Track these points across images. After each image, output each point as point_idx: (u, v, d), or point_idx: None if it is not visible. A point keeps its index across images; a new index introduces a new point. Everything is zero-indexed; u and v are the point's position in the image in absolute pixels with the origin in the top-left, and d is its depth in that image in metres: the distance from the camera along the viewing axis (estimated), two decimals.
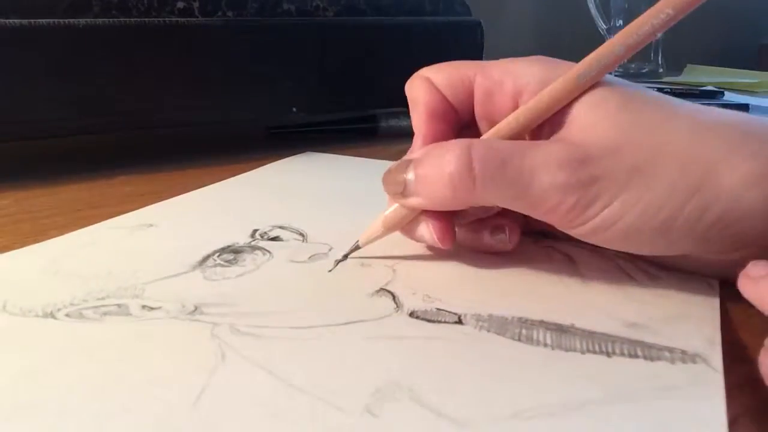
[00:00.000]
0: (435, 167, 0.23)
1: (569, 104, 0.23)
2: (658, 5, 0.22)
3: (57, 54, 0.39)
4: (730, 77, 0.84)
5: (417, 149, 0.25)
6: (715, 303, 0.22)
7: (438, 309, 0.22)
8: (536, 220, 0.23)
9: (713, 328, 0.21)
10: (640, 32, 0.23)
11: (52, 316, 0.21)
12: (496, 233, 0.25)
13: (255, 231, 0.29)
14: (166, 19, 0.42)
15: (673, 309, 0.22)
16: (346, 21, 0.49)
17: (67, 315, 0.21)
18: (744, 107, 0.63)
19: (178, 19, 0.42)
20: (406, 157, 0.25)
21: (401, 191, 0.24)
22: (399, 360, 0.19)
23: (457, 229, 0.25)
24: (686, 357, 0.19)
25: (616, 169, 0.21)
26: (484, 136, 0.25)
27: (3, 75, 0.37)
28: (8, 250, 0.27)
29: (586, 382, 0.17)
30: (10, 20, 0.37)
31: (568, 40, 0.97)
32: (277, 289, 0.24)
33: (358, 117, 0.54)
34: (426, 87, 0.26)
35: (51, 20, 0.38)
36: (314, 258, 0.26)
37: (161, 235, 0.29)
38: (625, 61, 0.92)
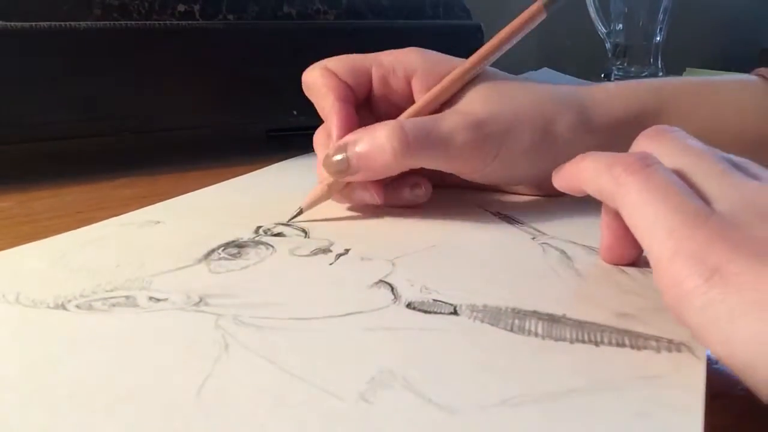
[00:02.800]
0: (374, 145, 0.29)
1: (464, 88, 0.31)
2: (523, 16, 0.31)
3: (58, 57, 0.39)
4: None
5: (336, 133, 0.30)
6: None
7: (434, 300, 0.22)
8: (445, 177, 0.31)
9: None
10: (513, 30, 0.31)
11: (63, 307, 0.22)
12: (415, 189, 0.32)
13: (259, 227, 0.30)
14: (167, 22, 0.42)
15: (661, 300, 0.22)
16: (346, 24, 0.49)
17: (77, 306, 0.22)
18: None
19: (179, 22, 0.42)
20: (338, 143, 0.30)
21: (345, 169, 0.29)
22: (394, 350, 0.19)
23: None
24: (672, 346, 0.19)
25: (498, 129, 0.30)
26: (403, 115, 0.31)
27: (4, 77, 0.37)
28: None
29: (574, 371, 0.18)
30: (11, 23, 0.37)
31: (569, 44, 0.97)
32: (280, 281, 0.24)
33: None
34: (329, 74, 0.32)
35: (52, 23, 0.38)
36: (316, 252, 0.27)
37: (168, 231, 0.30)
38: (624, 64, 0.91)
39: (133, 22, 0.41)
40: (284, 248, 0.27)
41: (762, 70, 0.33)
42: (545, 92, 0.32)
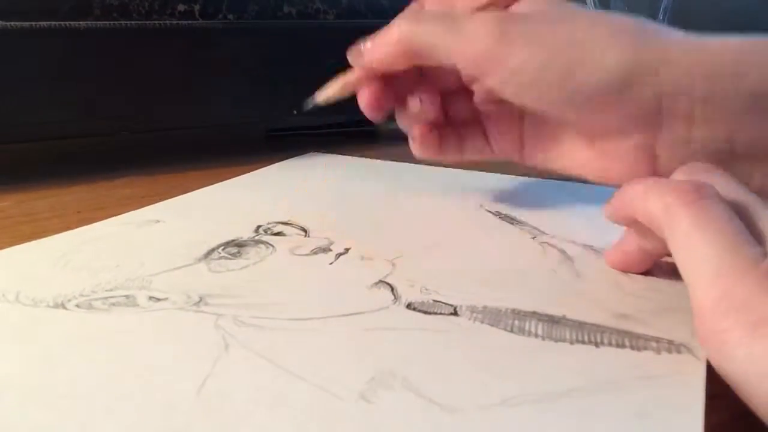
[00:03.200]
0: (385, 33, 0.28)
1: None
2: None
3: (58, 57, 0.39)
4: None
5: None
6: None
7: (435, 301, 0.22)
8: (450, 82, 0.30)
9: None
10: None
11: (63, 306, 0.22)
12: (419, 103, 0.30)
13: (259, 227, 0.30)
14: (167, 21, 0.42)
15: (663, 302, 0.22)
16: (346, 24, 0.49)
17: (77, 305, 0.22)
18: None
19: (179, 21, 0.42)
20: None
21: (360, 56, 0.29)
22: (394, 350, 0.19)
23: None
24: (672, 347, 0.19)
25: (527, 29, 0.25)
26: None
27: (4, 77, 0.37)
28: None
29: (573, 372, 0.18)
30: (11, 23, 0.37)
31: None
32: (279, 281, 0.24)
33: (358, 120, 0.54)
34: None
35: (52, 23, 0.38)
36: (316, 251, 0.27)
37: (167, 230, 0.30)
38: None
39: (133, 22, 0.41)
40: (284, 247, 0.27)
41: None
42: (595, 18, 0.26)
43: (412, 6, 0.30)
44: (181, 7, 0.43)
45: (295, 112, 0.47)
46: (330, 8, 0.48)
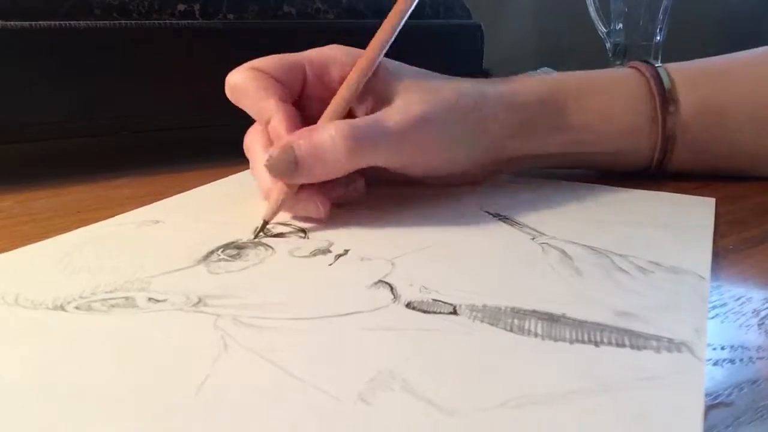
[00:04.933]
0: (324, 143, 0.29)
1: (387, 87, 0.32)
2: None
3: (58, 56, 0.39)
4: None
5: (283, 132, 0.30)
6: (704, 294, 0.23)
7: (434, 300, 0.22)
8: (380, 173, 0.32)
9: (701, 318, 0.21)
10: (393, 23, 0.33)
11: (62, 308, 0.22)
12: (350, 185, 0.32)
13: (258, 228, 0.29)
14: (167, 21, 0.42)
15: (664, 300, 0.22)
16: (346, 24, 0.49)
17: (76, 307, 0.22)
18: None
19: (179, 21, 0.42)
20: (282, 143, 0.29)
21: (292, 169, 0.29)
22: (393, 350, 0.19)
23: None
24: (672, 346, 0.19)
25: (436, 121, 0.31)
26: (327, 113, 0.31)
27: (4, 77, 0.37)
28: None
29: (573, 372, 0.18)
30: (11, 22, 0.37)
31: (568, 43, 0.97)
32: (279, 282, 0.24)
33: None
34: (265, 77, 0.32)
35: (52, 22, 0.38)
36: (315, 253, 0.27)
37: (167, 231, 0.30)
38: (624, 64, 0.91)
39: (133, 22, 0.41)
40: (283, 249, 0.27)
41: (635, 63, 0.38)
42: (469, 85, 0.34)
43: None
44: (181, 7, 0.43)
45: None
46: (330, 8, 0.48)
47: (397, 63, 0.34)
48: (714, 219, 0.31)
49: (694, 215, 0.31)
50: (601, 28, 0.87)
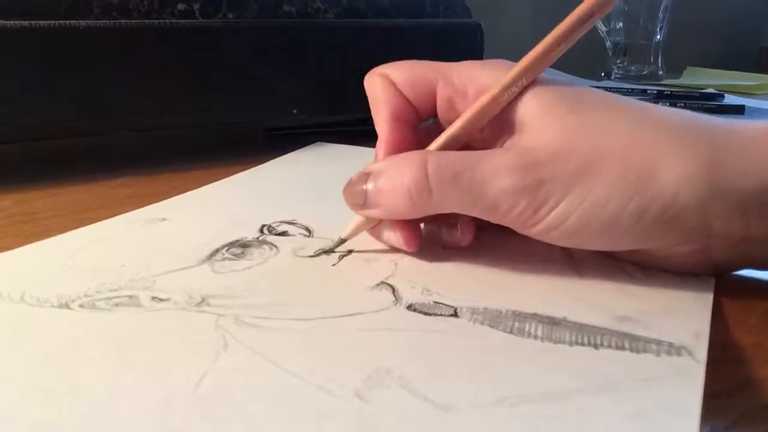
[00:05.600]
0: (393, 180, 0.24)
1: (519, 107, 0.24)
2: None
3: (58, 55, 0.39)
4: (730, 80, 0.84)
5: (380, 156, 0.26)
6: (708, 299, 0.23)
7: (435, 302, 0.22)
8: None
9: (702, 322, 0.21)
10: (567, 29, 0.25)
11: (67, 306, 0.22)
12: (451, 231, 0.27)
13: (263, 226, 0.30)
14: (167, 20, 0.42)
15: (666, 303, 0.22)
16: (346, 23, 0.49)
17: (80, 306, 0.22)
18: (740, 109, 0.63)
19: (179, 20, 0.42)
20: (366, 169, 0.25)
21: (362, 203, 0.25)
22: (392, 350, 0.19)
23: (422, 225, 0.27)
24: (672, 349, 0.19)
25: (561, 172, 0.22)
26: (434, 144, 0.26)
27: (4, 76, 0.37)
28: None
29: (571, 374, 0.18)
30: (11, 21, 0.37)
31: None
32: (282, 282, 0.24)
33: (357, 119, 0.54)
34: (388, 86, 0.27)
35: (52, 22, 0.38)
36: (319, 253, 0.27)
37: (173, 230, 0.30)
38: (624, 63, 0.91)
39: (132, 21, 0.41)
40: (288, 248, 0.27)
41: None
42: (649, 119, 0.23)
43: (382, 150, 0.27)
44: (181, 6, 0.42)
45: (295, 111, 0.47)
46: (330, 7, 0.48)
47: (559, 80, 0.25)
48: None
49: None
50: (602, 27, 0.87)
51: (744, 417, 0.17)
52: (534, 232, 0.23)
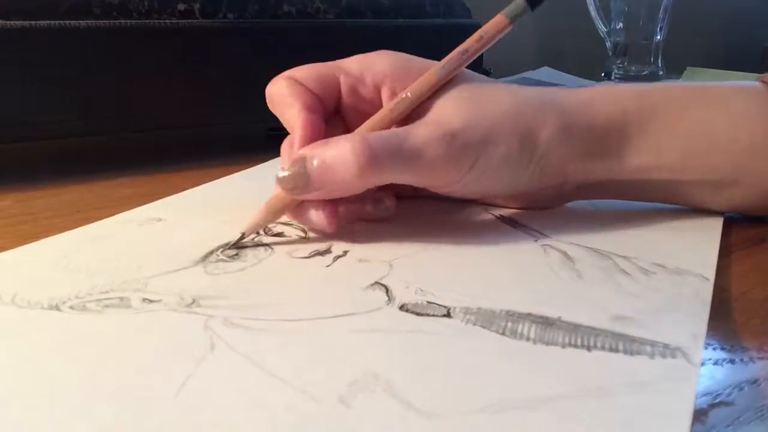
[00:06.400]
0: (336, 160, 0.26)
1: (430, 97, 0.29)
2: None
3: (58, 56, 0.39)
4: (731, 80, 0.84)
5: (301, 143, 0.28)
6: (707, 297, 0.22)
7: (429, 302, 0.22)
8: (405, 187, 0.29)
9: (700, 322, 0.21)
10: (484, 35, 0.30)
11: (57, 308, 0.22)
12: (378, 204, 0.30)
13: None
14: (167, 21, 0.42)
15: (664, 303, 0.22)
16: (346, 23, 0.49)
17: (71, 307, 0.22)
18: None
19: (179, 21, 0.42)
20: (296, 155, 0.27)
21: (303, 186, 0.27)
22: (381, 352, 0.19)
23: (340, 207, 0.29)
24: (667, 351, 0.19)
25: (473, 139, 0.28)
26: (365, 125, 0.29)
27: (4, 76, 0.37)
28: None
29: (561, 377, 0.18)
30: (11, 21, 0.37)
31: (569, 43, 0.97)
32: (275, 283, 0.24)
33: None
34: (296, 85, 0.30)
35: (52, 22, 0.38)
36: (314, 254, 0.27)
37: (168, 230, 0.30)
38: (624, 63, 0.91)
39: (133, 21, 0.41)
40: (282, 250, 0.27)
41: (766, 75, 0.31)
42: (524, 96, 0.30)
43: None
44: (181, 6, 0.43)
45: None
46: (330, 7, 0.48)
47: (465, 72, 0.30)
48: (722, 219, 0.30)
49: (703, 215, 0.31)
50: (602, 27, 0.87)
51: (744, 417, 0.17)
52: (453, 189, 0.29)
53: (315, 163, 0.26)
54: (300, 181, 0.27)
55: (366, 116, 0.29)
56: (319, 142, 0.27)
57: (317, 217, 0.28)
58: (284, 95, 0.30)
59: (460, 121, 0.28)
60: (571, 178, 0.30)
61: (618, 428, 0.15)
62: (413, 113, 0.29)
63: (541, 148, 0.29)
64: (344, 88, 0.31)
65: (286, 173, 0.27)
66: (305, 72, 0.30)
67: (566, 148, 0.29)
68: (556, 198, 0.32)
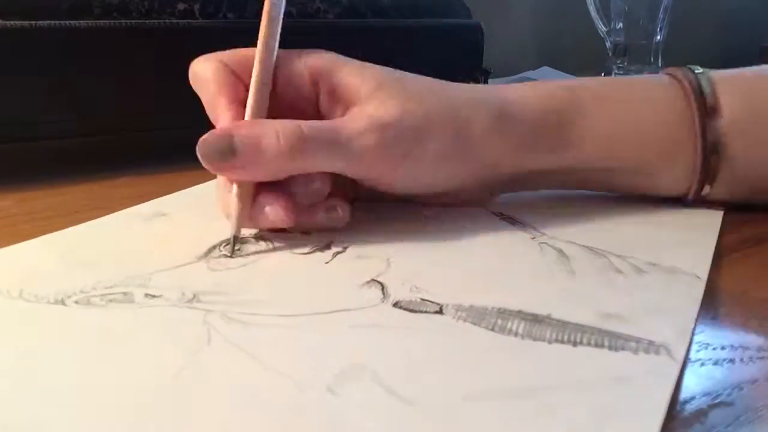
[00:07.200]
0: (269, 138, 0.26)
1: (353, 88, 0.29)
2: None
3: (58, 56, 0.39)
4: None
5: (226, 119, 0.28)
6: (698, 296, 0.23)
7: (422, 299, 0.22)
8: (361, 190, 0.30)
9: (688, 320, 0.21)
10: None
11: (62, 302, 0.22)
12: (330, 212, 0.29)
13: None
14: (167, 20, 0.42)
15: (654, 301, 0.22)
16: (346, 23, 0.49)
17: (76, 302, 0.22)
18: None
19: (179, 20, 0.42)
20: (219, 129, 0.27)
21: (228, 153, 0.26)
22: (371, 346, 0.19)
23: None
24: (651, 347, 0.19)
25: (406, 131, 0.28)
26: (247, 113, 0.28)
27: (4, 76, 0.37)
28: None
29: (544, 371, 0.18)
30: (11, 21, 0.37)
31: (569, 42, 0.97)
32: (274, 279, 0.25)
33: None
34: (225, 72, 0.29)
35: (52, 22, 0.38)
36: (314, 250, 0.27)
37: (172, 226, 0.30)
38: (624, 63, 0.91)
39: (133, 21, 0.41)
40: (284, 246, 0.28)
41: (671, 69, 0.33)
42: (459, 92, 0.30)
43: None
44: (181, 6, 0.43)
45: None
46: (330, 7, 0.48)
47: (377, 66, 0.30)
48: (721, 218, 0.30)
49: (700, 215, 0.31)
50: (602, 27, 0.87)
51: (744, 417, 0.17)
52: (389, 183, 0.29)
53: (244, 138, 0.26)
54: (223, 155, 0.26)
55: (299, 110, 0.29)
56: (247, 121, 0.27)
57: (273, 211, 0.27)
58: (210, 81, 0.29)
59: (393, 113, 0.28)
60: (505, 170, 0.30)
61: (593, 418, 0.16)
62: (344, 106, 0.29)
63: (475, 143, 0.29)
64: (278, 78, 0.29)
65: (208, 144, 0.26)
66: (234, 57, 0.30)
67: (500, 142, 0.30)
68: (488, 190, 0.32)
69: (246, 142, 0.26)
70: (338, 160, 0.27)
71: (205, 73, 0.29)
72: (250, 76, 0.29)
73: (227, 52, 0.30)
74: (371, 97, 0.28)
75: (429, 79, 0.31)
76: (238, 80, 0.29)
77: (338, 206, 0.29)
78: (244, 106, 0.28)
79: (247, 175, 0.27)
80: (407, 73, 0.31)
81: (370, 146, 0.27)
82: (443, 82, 0.31)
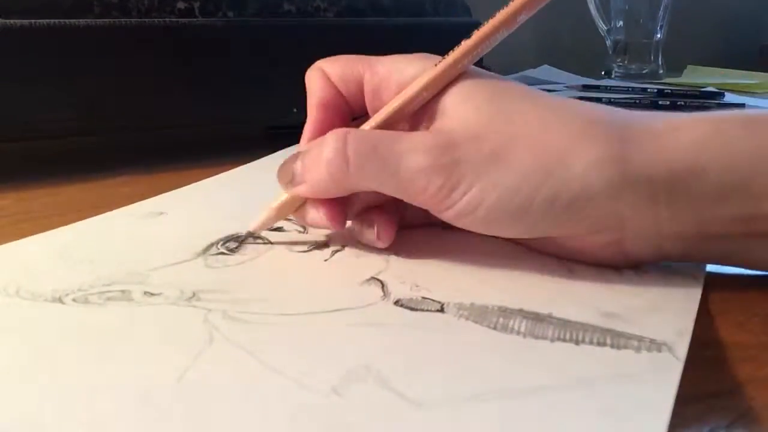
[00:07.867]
0: (316, 156, 0.25)
1: (442, 97, 0.24)
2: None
3: (57, 55, 0.39)
4: (731, 78, 0.84)
5: (303, 141, 0.27)
6: (696, 295, 0.23)
7: (423, 297, 0.22)
8: (414, 215, 0.27)
9: (687, 319, 0.21)
10: (493, 27, 0.25)
11: (60, 300, 0.22)
12: (367, 229, 0.26)
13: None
14: (167, 19, 0.42)
15: (654, 301, 0.22)
16: (346, 22, 0.49)
17: (74, 300, 0.22)
18: (740, 107, 0.63)
19: (179, 19, 0.42)
20: (298, 150, 0.26)
21: (290, 180, 0.26)
22: (374, 345, 0.19)
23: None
24: (653, 346, 0.19)
25: (475, 155, 0.23)
26: (363, 125, 0.26)
27: (4, 75, 0.37)
28: None
29: (548, 370, 0.18)
30: (11, 20, 0.37)
31: (569, 41, 0.97)
32: (273, 277, 0.25)
33: (357, 117, 0.54)
34: (320, 78, 0.28)
35: (52, 21, 0.38)
36: (312, 248, 0.27)
37: (170, 224, 0.30)
38: (624, 62, 0.91)
39: (132, 20, 0.41)
40: (282, 244, 0.28)
41: None
42: (561, 109, 0.24)
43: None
44: (181, 5, 0.43)
45: (295, 110, 0.47)
46: (330, 6, 0.48)
47: (482, 72, 0.26)
48: None
49: None
50: (602, 26, 0.87)
51: (744, 417, 0.17)
52: (449, 215, 0.24)
53: (306, 158, 0.25)
54: (287, 177, 0.26)
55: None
56: (319, 138, 0.25)
57: (314, 214, 0.26)
58: (309, 87, 0.28)
59: (463, 131, 0.23)
60: (633, 232, 0.23)
61: (601, 417, 0.16)
62: (427, 119, 0.25)
63: (576, 184, 0.22)
64: (367, 89, 0.27)
65: (281, 168, 0.26)
66: (336, 67, 0.28)
67: (617, 192, 0.22)
68: (619, 256, 0.24)
69: (306, 164, 0.25)
70: (384, 182, 0.24)
71: (307, 78, 0.28)
72: (344, 86, 0.27)
73: (329, 58, 0.28)
74: (443, 104, 0.25)
75: (517, 83, 0.26)
76: (332, 86, 0.27)
77: (378, 225, 0.26)
78: (331, 110, 0.27)
79: (312, 195, 0.26)
80: (484, 72, 0.26)
81: (419, 169, 0.23)
82: (558, 97, 0.25)
